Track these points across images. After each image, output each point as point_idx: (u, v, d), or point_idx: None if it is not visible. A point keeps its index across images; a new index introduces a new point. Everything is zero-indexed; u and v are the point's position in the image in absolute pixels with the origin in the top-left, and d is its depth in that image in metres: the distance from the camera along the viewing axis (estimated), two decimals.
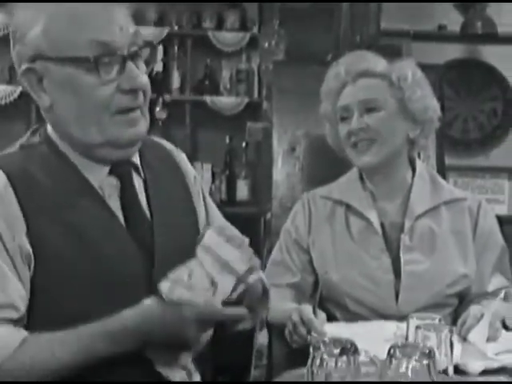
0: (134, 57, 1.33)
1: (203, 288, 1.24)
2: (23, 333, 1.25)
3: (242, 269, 1.27)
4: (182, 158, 1.59)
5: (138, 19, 4.06)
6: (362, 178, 2.08)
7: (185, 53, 4.30)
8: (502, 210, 4.55)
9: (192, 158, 3.33)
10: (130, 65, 1.31)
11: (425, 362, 1.22)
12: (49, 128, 1.39)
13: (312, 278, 2.03)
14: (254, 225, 3.76)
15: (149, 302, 1.25)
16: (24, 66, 1.32)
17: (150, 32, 4.33)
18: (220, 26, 4.44)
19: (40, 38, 1.29)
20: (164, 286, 1.24)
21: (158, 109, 4.39)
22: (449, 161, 4.06)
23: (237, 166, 4.27)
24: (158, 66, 4.53)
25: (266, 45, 3.59)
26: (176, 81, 4.46)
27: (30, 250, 1.26)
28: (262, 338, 2.81)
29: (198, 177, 1.61)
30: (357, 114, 1.99)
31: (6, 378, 1.21)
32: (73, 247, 1.28)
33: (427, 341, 1.33)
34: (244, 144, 4.25)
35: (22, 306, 1.25)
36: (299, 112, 2.74)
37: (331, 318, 1.90)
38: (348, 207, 2.04)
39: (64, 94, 1.31)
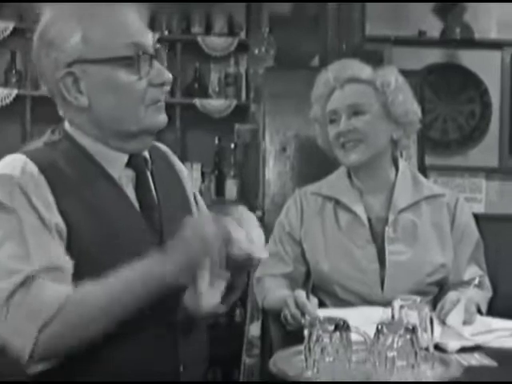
0: (156, 55, 1.50)
1: None
2: (69, 288, 1.38)
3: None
4: (175, 157, 1.77)
5: None
6: (349, 176, 2.24)
7: (175, 57, 4.40)
8: (480, 209, 4.67)
9: (182, 159, 3.45)
10: (156, 62, 1.49)
11: (408, 336, 1.40)
12: (67, 126, 1.54)
13: (304, 268, 2.19)
14: None
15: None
16: (63, 71, 1.46)
17: None
18: (208, 31, 4.58)
19: (80, 45, 1.44)
20: None
21: None
22: (429, 161, 4.08)
23: (226, 166, 4.37)
24: None
25: (257, 51, 3.74)
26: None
27: (64, 226, 1.42)
28: (254, 330, 2.96)
29: (189, 175, 1.78)
30: (345, 117, 2.14)
31: (55, 338, 1.34)
32: (94, 227, 1.44)
33: (410, 318, 1.49)
34: (233, 145, 4.35)
35: (68, 270, 1.40)
36: (290, 114, 2.88)
37: (322, 306, 2.05)
38: (337, 202, 2.20)
39: (103, 93, 1.47)
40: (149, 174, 1.59)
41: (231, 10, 4.52)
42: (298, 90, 2.71)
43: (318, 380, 1.40)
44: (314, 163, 2.42)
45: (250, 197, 3.97)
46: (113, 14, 1.47)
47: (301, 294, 1.88)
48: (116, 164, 1.53)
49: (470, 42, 4.64)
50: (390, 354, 1.39)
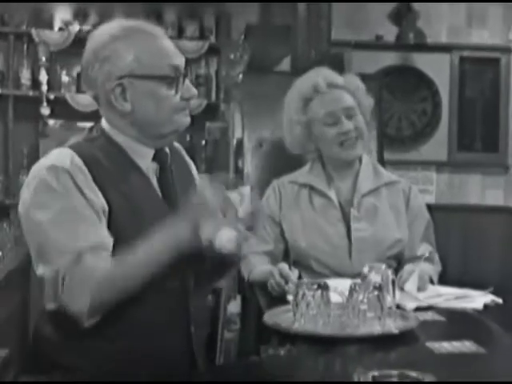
0: (186, 75, 1.83)
1: None
2: (110, 260, 1.68)
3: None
4: (184, 152, 2.08)
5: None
6: (323, 166, 2.58)
7: None
8: (431, 199, 5.01)
9: None
10: (186, 80, 1.81)
11: (376, 293, 1.76)
12: (104, 125, 1.83)
13: (283, 246, 2.53)
14: None
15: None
16: (114, 83, 1.75)
17: None
18: (180, 34, 4.88)
19: (131, 63, 1.74)
20: None
21: None
22: (386, 155, 4.28)
23: (197, 161, 4.63)
24: None
25: (232, 56, 4.05)
26: None
27: (107, 209, 1.72)
28: (233, 307, 3.27)
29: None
30: (344, 119, 2.48)
31: (105, 299, 1.64)
32: (126, 209, 1.73)
33: (376, 279, 1.84)
34: (203, 142, 4.67)
35: (110, 246, 1.70)
36: (265, 114, 3.21)
37: (299, 279, 2.39)
38: (311, 188, 2.54)
39: (145, 102, 1.77)
40: (169, 166, 1.89)
41: (202, 16, 4.83)
42: (272, 92, 3.04)
43: (304, 329, 1.75)
44: (286, 158, 2.71)
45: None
46: (156, 40, 1.78)
47: (284, 266, 2.24)
48: (144, 158, 1.83)
49: (423, 46, 4.97)
50: (362, 308, 1.75)
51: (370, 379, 1.33)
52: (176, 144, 2.03)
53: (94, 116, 4.16)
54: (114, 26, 1.81)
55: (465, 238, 4.75)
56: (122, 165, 1.80)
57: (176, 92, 1.79)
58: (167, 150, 1.90)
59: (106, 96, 1.78)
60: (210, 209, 1.64)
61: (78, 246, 1.66)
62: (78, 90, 4.87)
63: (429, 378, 1.32)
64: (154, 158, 1.86)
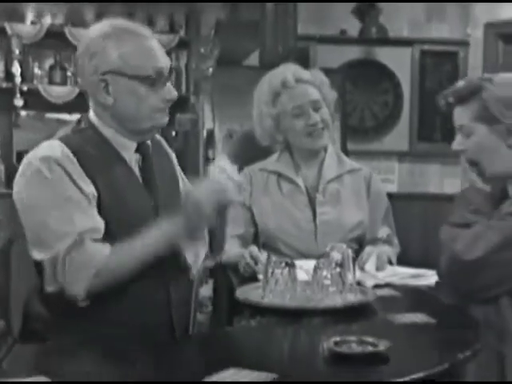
0: (169, 76, 1.95)
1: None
2: (108, 246, 1.83)
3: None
4: (165, 144, 2.22)
5: (77, 21, 4.61)
6: (290, 155, 2.76)
7: None
8: (393, 188, 5.20)
9: None
10: (168, 83, 1.94)
11: (337, 270, 1.94)
12: (92, 117, 1.97)
13: (253, 230, 2.70)
14: None
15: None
16: (99, 77, 1.88)
17: None
18: (151, 28, 4.98)
19: (116, 60, 1.86)
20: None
21: None
22: (349, 146, 4.57)
23: None
24: None
25: (202, 50, 4.20)
26: None
27: (96, 194, 1.86)
28: (205, 291, 3.42)
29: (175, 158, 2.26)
30: (311, 111, 2.65)
31: (103, 282, 1.79)
32: (111, 196, 1.88)
33: (338, 257, 2.02)
34: (174, 133, 4.77)
35: (102, 229, 1.84)
36: (235, 106, 3.38)
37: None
38: (280, 175, 2.72)
39: (126, 98, 1.90)
40: (150, 157, 2.03)
41: (172, 10, 4.96)
42: (241, 85, 3.20)
43: (273, 302, 1.93)
44: (255, 147, 2.87)
45: (189, 180, 4.38)
46: (144, 41, 1.93)
47: (254, 248, 2.43)
48: (128, 149, 1.98)
49: (385, 40, 5.16)
50: (325, 283, 1.93)
51: (332, 344, 1.51)
52: (157, 136, 2.17)
53: (66, 107, 4.39)
54: (107, 24, 1.94)
55: (425, 225, 4.93)
56: (108, 156, 1.94)
57: (157, 93, 1.92)
58: (149, 142, 2.05)
59: (91, 88, 1.93)
60: (204, 215, 1.82)
61: (75, 231, 1.80)
62: (51, 82, 4.98)
63: (383, 343, 1.51)
64: (137, 150, 2.00)
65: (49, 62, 5.01)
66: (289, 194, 2.69)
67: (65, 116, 4.99)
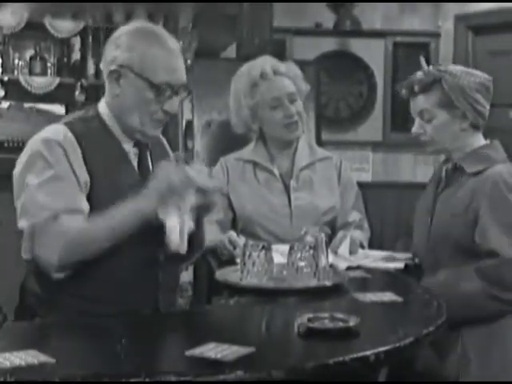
0: (178, 92, 2.03)
1: None
2: (83, 220, 1.93)
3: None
4: (165, 141, 2.31)
5: (57, 14, 4.66)
6: (265, 144, 2.86)
7: (99, 43, 4.92)
8: (368, 177, 5.31)
9: None
10: (174, 97, 2.01)
11: (311, 252, 2.05)
12: (101, 108, 2.07)
13: (231, 216, 2.80)
14: None
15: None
16: (115, 67, 1.98)
17: (68, 25, 4.92)
18: (129, 20, 5.05)
19: (135, 58, 1.96)
20: None
21: (77, 92, 5.00)
22: (325, 136, 4.57)
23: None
24: (76, 55, 5.14)
25: (181, 43, 4.27)
26: (91, 68, 5.08)
27: (88, 182, 1.96)
28: (186, 276, 3.53)
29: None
30: (288, 103, 2.75)
31: (73, 254, 1.88)
32: (109, 184, 1.98)
33: (312, 240, 2.13)
34: None
35: (86, 212, 1.94)
36: (213, 97, 3.48)
37: None
38: (255, 164, 2.83)
39: (131, 94, 1.99)
40: (148, 152, 2.13)
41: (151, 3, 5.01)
42: (219, 77, 3.30)
43: (250, 283, 2.04)
44: (232, 137, 2.97)
45: None
46: (167, 52, 2.00)
47: (233, 233, 2.55)
48: (128, 142, 2.07)
49: (359, 32, 5.27)
50: (300, 264, 2.05)
51: (305, 320, 1.62)
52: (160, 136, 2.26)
53: (47, 97, 4.49)
54: (143, 24, 2.09)
55: (398, 212, 5.05)
56: (109, 145, 2.04)
57: (160, 102, 1.99)
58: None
59: (106, 76, 2.03)
60: (170, 188, 1.89)
61: (56, 206, 1.90)
62: (31, 73, 5.04)
63: (353, 319, 1.62)
64: (136, 144, 2.10)
65: (29, 52, 5.07)
66: (265, 181, 2.80)
67: (45, 106, 5.07)
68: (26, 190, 1.94)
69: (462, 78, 2.33)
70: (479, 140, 2.42)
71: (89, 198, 1.97)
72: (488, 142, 2.43)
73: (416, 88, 2.37)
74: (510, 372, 2.22)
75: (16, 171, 1.99)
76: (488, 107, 2.38)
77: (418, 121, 2.42)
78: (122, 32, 2.03)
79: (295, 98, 2.77)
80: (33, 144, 1.98)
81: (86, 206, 1.96)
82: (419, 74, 2.38)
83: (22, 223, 1.94)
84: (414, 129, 2.44)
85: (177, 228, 1.91)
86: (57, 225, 1.90)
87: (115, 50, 2.00)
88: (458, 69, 2.39)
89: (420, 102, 2.38)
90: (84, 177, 1.97)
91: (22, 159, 1.99)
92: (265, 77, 2.76)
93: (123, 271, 1.99)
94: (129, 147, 2.08)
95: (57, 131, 1.99)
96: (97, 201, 1.97)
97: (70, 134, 1.98)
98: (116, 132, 2.06)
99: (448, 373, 2.28)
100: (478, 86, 2.34)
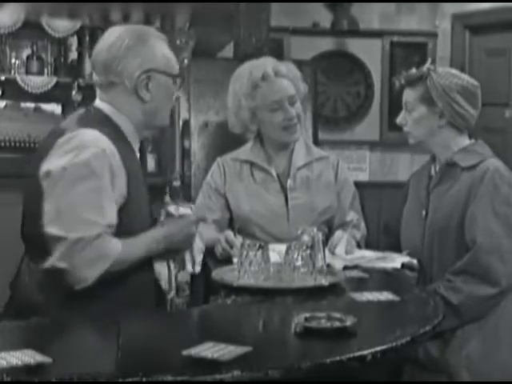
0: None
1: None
2: (120, 242, 1.93)
3: None
4: None
5: (54, 14, 4.64)
6: (262, 145, 2.86)
7: (95, 43, 4.88)
8: (365, 177, 5.32)
9: None
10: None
11: (308, 251, 2.05)
12: (106, 110, 2.05)
13: (228, 215, 2.81)
14: (161, 192, 4.40)
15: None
16: (142, 73, 2.01)
17: (65, 25, 4.91)
18: (126, 20, 5.05)
19: (160, 59, 2.03)
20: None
21: (74, 92, 4.98)
22: (322, 136, 4.60)
23: (144, 142, 4.81)
24: (73, 55, 5.13)
25: (178, 42, 4.28)
26: (88, 67, 5.01)
27: (126, 194, 1.97)
28: (184, 276, 3.53)
29: None
30: (288, 106, 2.74)
31: (113, 269, 1.89)
32: (132, 183, 1.99)
33: (308, 240, 2.13)
34: None
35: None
36: (210, 97, 3.48)
37: None
38: (252, 164, 2.82)
39: (162, 94, 2.06)
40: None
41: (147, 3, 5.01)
42: (217, 77, 3.31)
43: (247, 283, 2.04)
44: (229, 137, 2.97)
45: (167, 170, 4.44)
46: (167, 46, 2.10)
47: (230, 233, 2.55)
48: (136, 141, 2.11)
49: (356, 32, 5.29)
50: (297, 264, 2.05)
51: (302, 320, 1.62)
52: None
53: (44, 97, 4.50)
54: (144, 28, 2.13)
55: (395, 212, 5.04)
56: (125, 148, 2.04)
57: (177, 89, 2.13)
58: None
59: (131, 84, 2.02)
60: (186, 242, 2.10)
61: (103, 223, 1.89)
62: (28, 72, 5.03)
63: (350, 318, 1.62)
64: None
65: (26, 52, 5.05)
66: (262, 181, 2.80)
67: (42, 105, 5.06)
68: (68, 198, 1.89)
69: (446, 78, 2.47)
70: (464, 140, 2.54)
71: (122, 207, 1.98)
72: (473, 141, 2.56)
73: (403, 81, 2.54)
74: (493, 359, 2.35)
75: (56, 171, 1.91)
76: (472, 111, 2.49)
77: (402, 112, 2.59)
78: (136, 42, 2.03)
79: (295, 100, 2.77)
80: (80, 149, 1.91)
81: (116, 220, 1.96)
82: (412, 70, 2.54)
83: (60, 233, 1.87)
84: (398, 119, 2.61)
85: (165, 275, 2.09)
86: (103, 244, 1.89)
87: (136, 58, 2.01)
88: (446, 70, 2.54)
89: (406, 95, 2.55)
90: (122, 191, 1.97)
91: (66, 158, 1.91)
92: (266, 78, 2.75)
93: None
94: (136, 146, 2.12)
95: (100, 141, 1.95)
96: (130, 207, 2.00)
97: (110, 145, 1.96)
98: (127, 133, 2.08)
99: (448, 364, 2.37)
100: (460, 88, 2.46)
